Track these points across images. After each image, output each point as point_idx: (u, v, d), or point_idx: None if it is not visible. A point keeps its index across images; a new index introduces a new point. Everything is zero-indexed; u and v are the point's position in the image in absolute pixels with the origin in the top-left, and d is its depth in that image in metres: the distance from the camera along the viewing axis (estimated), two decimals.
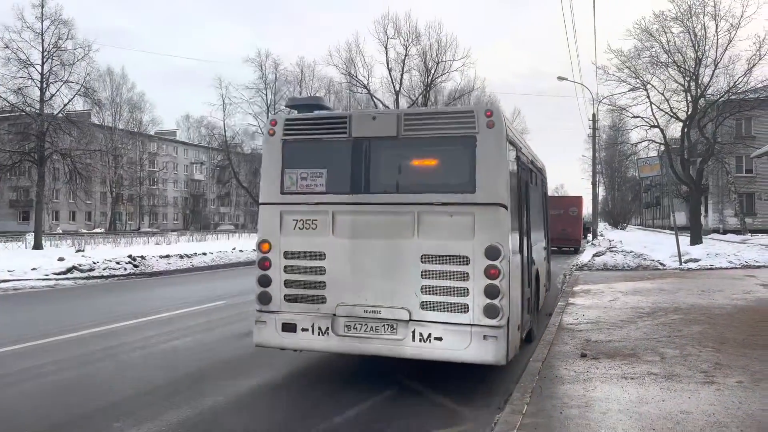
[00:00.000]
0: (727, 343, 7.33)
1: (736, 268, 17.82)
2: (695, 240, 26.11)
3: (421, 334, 5.60)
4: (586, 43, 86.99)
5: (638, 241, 32.01)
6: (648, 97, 26.67)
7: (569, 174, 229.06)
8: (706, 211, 43.77)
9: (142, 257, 20.74)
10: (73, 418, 5.29)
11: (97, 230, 61.62)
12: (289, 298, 6.08)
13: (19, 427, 5.19)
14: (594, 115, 39.09)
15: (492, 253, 5.43)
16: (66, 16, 29.37)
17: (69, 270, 17.94)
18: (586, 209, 46.19)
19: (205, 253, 24.51)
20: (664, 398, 5.17)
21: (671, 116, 27.64)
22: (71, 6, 48.04)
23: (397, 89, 47.13)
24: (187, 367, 7.05)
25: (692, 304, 10.59)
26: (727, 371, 6.03)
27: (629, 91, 26.64)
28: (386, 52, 46.35)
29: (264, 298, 6.21)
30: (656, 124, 27.58)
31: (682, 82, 26.44)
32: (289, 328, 6.05)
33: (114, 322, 10.07)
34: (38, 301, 13.58)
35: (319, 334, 5.92)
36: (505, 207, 5.60)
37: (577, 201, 32.03)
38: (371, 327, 5.75)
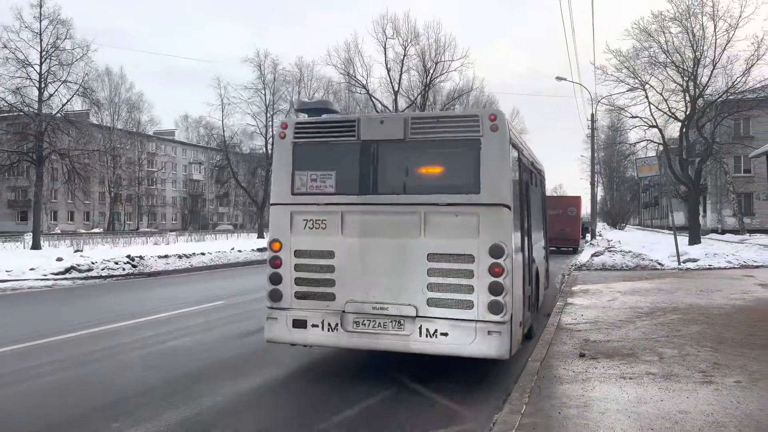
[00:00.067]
0: (725, 343, 7.34)
1: (734, 268, 17.84)
2: (694, 240, 26.13)
3: (427, 330, 5.79)
4: (584, 43, 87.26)
5: (637, 241, 32.03)
6: (646, 97, 26.70)
7: (568, 174, 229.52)
8: (705, 211, 43.82)
9: (141, 257, 20.71)
10: (71, 419, 5.29)
11: (96, 230, 61.62)
12: (299, 296, 6.25)
13: (16, 427, 5.18)
14: (592, 115, 39.15)
15: (496, 251, 5.63)
16: (64, 16, 29.26)
17: (67, 270, 17.92)
18: (585, 209, 46.34)
19: (203, 253, 24.47)
20: (663, 398, 5.18)
21: (670, 116, 27.65)
22: (70, 6, 48.00)
23: (396, 89, 47.10)
24: (185, 367, 7.04)
25: (691, 304, 10.60)
26: (725, 371, 6.03)
27: (628, 91, 26.64)
28: (385, 52, 46.34)
29: (275, 296, 6.35)
30: (655, 124, 27.60)
31: (681, 83, 26.45)
32: (299, 324, 6.22)
33: (112, 322, 10.06)
34: (36, 301, 13.57)
35: (328, 330, 6.11)
36: (509, 207, 5.78)
37: (576, 201, 32.07)
38: (379, 323, 5.95)
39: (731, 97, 26.04)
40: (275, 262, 6.33)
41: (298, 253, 6.25)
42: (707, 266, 18.13)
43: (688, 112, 26.69)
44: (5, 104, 28.67)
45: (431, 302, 5.79)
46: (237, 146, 50.30)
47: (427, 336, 5.79)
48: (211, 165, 79.82)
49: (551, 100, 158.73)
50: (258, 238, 45.40)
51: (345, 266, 6.09)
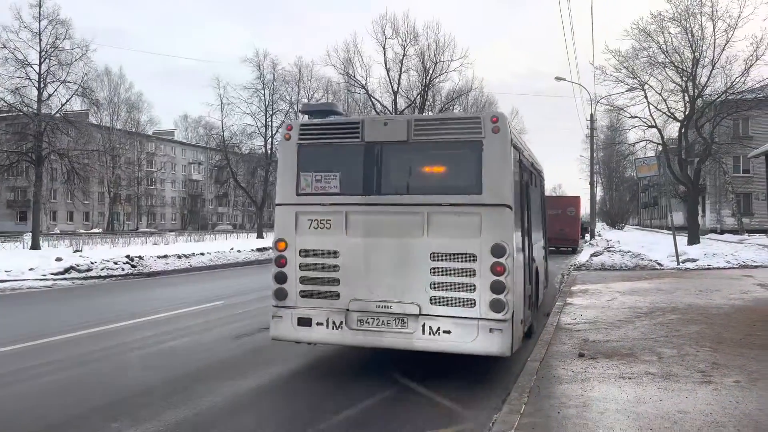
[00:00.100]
0: (724, 343, 7.35)
1: (733, 268, 17.85)
2: (693, 240, 26.14)
3: (430, 328, 5.89)
4: (583, 44, 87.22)
5: (636, 241, 32.03)
6: (645, 97, 26.71)
7: (567, 174, 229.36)
8: (704, 211, 43.85)
9: (140, 257, 20.71)
10: (71, 419, 5.29)
11: (95, 230, 61.52)
12: (304, 294, 6.35)
13: (16, 427, 5.17)
14: (592, 115, 39.17)
15: (498, 251, 5.74)
16: (63, 16, 29.19)
17: (66, 270, 17.91)
18: (584, 209, 46.39)
19: (203, 254, 24.44)
20: (662, 398, 5.18)
21: (669, 116, 27.66)
22: (69, 6, 47.97)
23: (395, 89, 47.00)
24: (185, 367, 7.04)
25: (690, 304, 10.61)
26: (724, 371, 6.04)
27: (627, 91, 26.65)
28: (384, 52, 46.21)
29: (280, 294, 6.43)
30: (654, 124, 27.61)
31: (680, 83, 26.46)
32: (304, 322, 6.31)
33: (112, 322, 10.06)
34: (36, 302, 13.57)
35: (333, 328, 6.21)
36: (510, 207, 5.90)
37: (575, 201, 32.09)
38: (383, 321, 6.05)
39: (730, 98, 26.04)
40: (280, 262, 6.42)
41: (303, 253, 6.35)
42: (706, 266, 18.14)
43: (687, 112, 26.70)
44: (4, 104, 28.64)
45: (434, 300, 5.89)
46: (236, 146, 50.18)
47: (430, 334, 5.88)
48: (211, 165, 79.75)
49: (550, 100, 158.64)
50: (257, 238, 45.37)
51: (349, 265, 6.19)
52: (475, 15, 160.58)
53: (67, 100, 29.62)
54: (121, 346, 8.31)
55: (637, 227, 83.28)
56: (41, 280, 16.80)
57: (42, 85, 28.40)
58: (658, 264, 18.91)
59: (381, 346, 6.17)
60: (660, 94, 26.80)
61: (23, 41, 28.04)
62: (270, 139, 47.79)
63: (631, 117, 28.08)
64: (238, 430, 5.07)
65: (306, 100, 50.65)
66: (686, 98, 26.57)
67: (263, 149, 48.86)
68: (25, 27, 28.10)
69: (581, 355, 6.83)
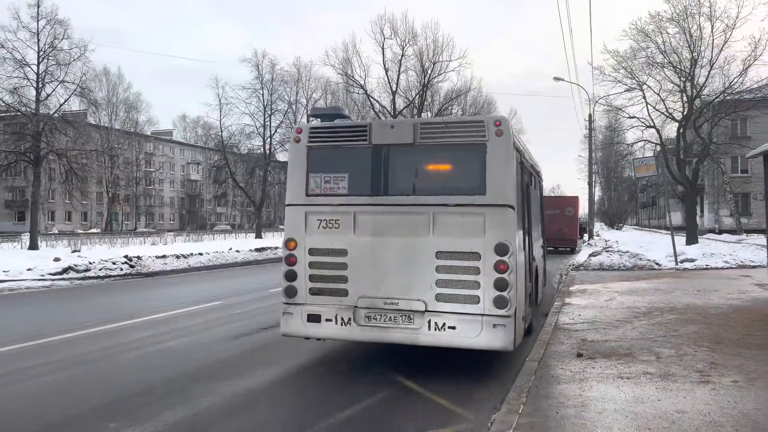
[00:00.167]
0: (722, 343, 7.36)
1: (731, 267, 17.88)
2: (691, 240, 26.17)
3: (436, 324, 6.08)
4: (582, 44, 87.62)
5: (634, 241, 32.07)
6: (644, 97, 26.76)
7: (565, 174, 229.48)
8: (702, 211, 43.89)
9: (139, 257, 20.70)
10: (69, 419, 5.29)
11: (94, 230, 61.39)
12: (313, 292, 6.54)
13: (15, 427, 5.17)
14: (590, 115, 39.26)
15: (501, 249, 5.93)
16: (62, 16, 29.09)
17: (65, 270, 17.90)
18: (583, 209, 46.37)
19: (201, 254, 24.44)
20: (660, 398, 5.19)
21: (667, 117, 27.69)
22: (67, 5, 47.83)
23: (394, 89, 46.95)
24: (183, 367, 7.04)
25: (688, 304, 10.63)
26: (722, 371, 6.05)
27: (625, 91, 26.69)
28: (383, 52, 46.17)
29: (290, 292, 6.61)
30: (652, 124, 27.65)
31: (678, 83, 26.51)
32: (313, 318, 6.50)
33: (110, 322, 10.05)
34: (34, 302, 13.55)
35: (341, 325, 6.40)
36: (513, 208, 6.10)
37: (574, 201, 32.13)
38: (390, 317, 6.25)
39: (728, 98, 26.08)
40: (290, 260, 6.60)
41: (312, 252, 6.54)
42: (704, 266, 18.17)
43: (685, 113, 26.74)
44: (2, 104, 28.56)
45: (440, 297, 6.07)
46: (235, 146, 50.05)
47: (435, 329, 6.06)
48: (209, 165, 79.48)
49: (549, 100, 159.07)
50: (256, 238, 45.30)
51: (357, 264, 6.38)
52: (474, 15, 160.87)
53: (65, 100, 29.56)
54: (120, 346, 8.31)
55: (636, 227, 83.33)
56: (39, 280, 16.79)
57: (40, 85, 28.33)
58: (657, 264, 18.94)
59: (388, 341, 6.33)
60: (658, 95, 26.88)
61: (21, 41, 27.96)
62: (268, 139, 47.77)
63: (630, 117, 28.17)
64: (237, 430, 5.06)
65: (305, 101, 50.71)
66: (684, 98, 26.62)
67: (262, 149, 48.80)
68: (24, 27, 28.02)
69: (579, 355, 6.84)
